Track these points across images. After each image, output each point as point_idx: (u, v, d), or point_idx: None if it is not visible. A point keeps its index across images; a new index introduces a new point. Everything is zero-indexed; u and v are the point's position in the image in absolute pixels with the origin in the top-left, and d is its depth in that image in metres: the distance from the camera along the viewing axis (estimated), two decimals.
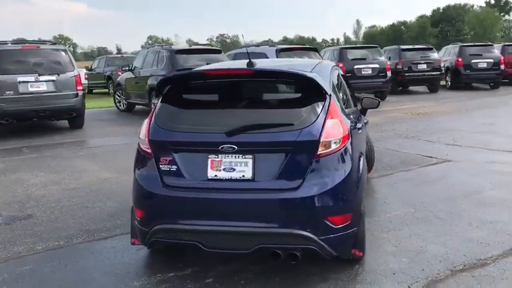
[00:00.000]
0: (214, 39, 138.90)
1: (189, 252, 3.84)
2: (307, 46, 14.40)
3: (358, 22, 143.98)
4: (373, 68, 15.01)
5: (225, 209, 3.21)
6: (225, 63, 6.26)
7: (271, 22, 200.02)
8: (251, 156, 3.21)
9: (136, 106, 13.86)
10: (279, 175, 3.17)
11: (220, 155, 3.26)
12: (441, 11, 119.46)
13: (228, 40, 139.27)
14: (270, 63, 5.03)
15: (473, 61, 17.61)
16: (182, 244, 3.38)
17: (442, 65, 17.12)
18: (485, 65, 17.57)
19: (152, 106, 11.77)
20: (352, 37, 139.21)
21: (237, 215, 3.19)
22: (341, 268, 3.54)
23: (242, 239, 3.20)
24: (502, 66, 17.64)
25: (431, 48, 17.82)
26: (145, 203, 3.43)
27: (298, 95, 3.48)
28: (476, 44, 19.50)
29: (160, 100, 3.64)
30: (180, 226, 3.27)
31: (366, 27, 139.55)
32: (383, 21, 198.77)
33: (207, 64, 11.18)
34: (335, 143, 3.22)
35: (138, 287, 3.43)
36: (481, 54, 17.76)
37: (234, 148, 3.19)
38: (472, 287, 3.25)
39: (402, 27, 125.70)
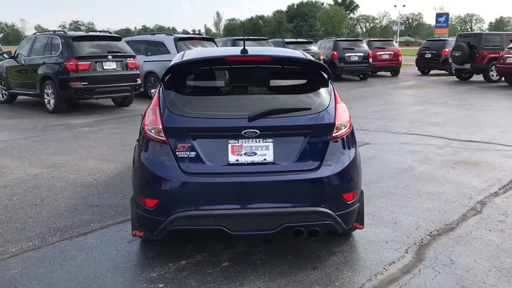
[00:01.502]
0: (68, 26, 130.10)
1: (183, 241, 3.83)
2: (204, 36, 14.48)
3: (218, 14, 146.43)
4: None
5: (248, 192, 3.30)
6: (216, 49, 5.96)
7: (126, 9, 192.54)
8: (271, 140, 3.34)
9: (19, 97, 12.66)
10: (299, 157, 3.35)
11: (240, 140, 3.32)
12: (295, 7, 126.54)
13: (82, 27, 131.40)
14: (265, 50, 5.04)
15: (346, 54, 19.26)
16: (203, 230, 3.37)
17: (321, 58, 18.41)
18: (356, 58, 19.34)
19: (47, 96, 10.91)
20: (213, 29, 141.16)
21: (261, 197, 3.30)
22: (342, 242, 3.85)
23: (266, 220, 3.31)
24: (371, 60, 19.57)
25: (311, 42, 19.02)
26: (162, 192, 3.34)
27: (309, 80, 3.66)
28: (349, 38, 21.29)
29: (166, 86, 3.53)
30: (204, 212, 3.27)
31: (226, 20, 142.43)
32: (242, 15, 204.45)
33: (108, 52, 10.84)
34: (344, 126, 3.49)
35: (157, 277, 3.35)
36: (353, 48, 19.49)
37: (257, 132, 3.29)
38: (454, 246, 3.78)
39: (260, 21, 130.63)
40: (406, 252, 3.68)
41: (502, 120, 9.72)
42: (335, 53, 19.19)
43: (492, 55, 17.54)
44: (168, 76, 3.53)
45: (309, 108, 3.42)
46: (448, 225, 4.20)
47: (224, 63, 3.60)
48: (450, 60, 19.06)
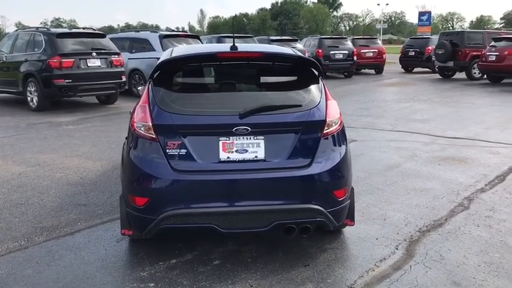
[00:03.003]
0: (49, 23, 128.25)
1: (173, 240, 3.80)
2: (190, 33, 14.40)
3: (202, 12, 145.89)
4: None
5: (239, 189, 3.27)
6: (205, 46, 5.82)
7: (108, 7, 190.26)
8: (262, 137, 3.32)
9: (1, 95, 12.43)
10: (290, 154, 3.33)
11: (231, 137, 3.29)
12: (279, 5, 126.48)
13: (64, 25, 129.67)
14: (255, 47, 5.00)
15: (331, 52, 19.33)
16: (194, 228, 3.34)
17: (307, 55, 18.41)
18: (341, 56, 19.42)
19: (30, 94, 10.74)
20: (197, 27, 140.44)
21: (252, 194, 3.28)
22: (333, 239, 3.85)
23: (258, 217, 3.29)
24: (355, 57, 19.67)
25: (296, 40, 19.04)
26: (151, 190, 3.30)
27: (299, 77, 3.65)
28: (333, 36, 21.35)
29: (155, 83, 3.48)
30: (194, 210, 3.24)
31: (210, 18, 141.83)
32: (226, 13, 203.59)
33: (92, 49, 10.70)
34: (335, 123, 3.49)
35: (148, 276, 3.31)
36: (338, 46, 19.56)
37: (248, 129, 3.26)
38: (443, 242, 3.81)
39: (244, 19, 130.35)
40: (397, 249, 3.70)
41: (485, 117, 9.83)
42: (320, 50, 19.25)
43: (474, 53, 17.73)
44: (157, 73, 3.48)
45: (300, 105, 3.41)
46: (437, 221, 4.23)
47: (214, 60, 3.56)
48: (433, 58, 19.24)
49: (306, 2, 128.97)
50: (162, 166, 3.27)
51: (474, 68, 17.92)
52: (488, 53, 16.33)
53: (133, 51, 13.30)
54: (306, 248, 3.72)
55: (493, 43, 16.64)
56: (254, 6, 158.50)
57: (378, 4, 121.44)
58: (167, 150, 3.28)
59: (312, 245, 3.75)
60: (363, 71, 22.62)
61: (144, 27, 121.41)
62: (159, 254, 3.62)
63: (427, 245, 3.74)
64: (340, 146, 3.52)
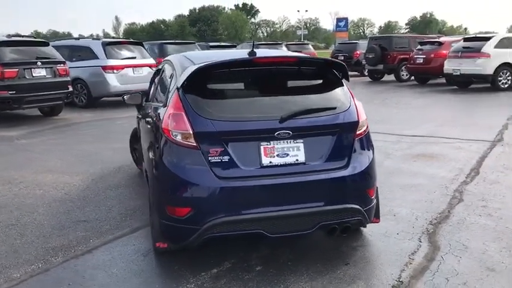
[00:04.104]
0: None
1: (199, 250, 3.69)
2: (133, 40, 14.02)
3: (117, 19, 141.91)
4: None
5: (284, 193, 3.30)
6: (228, 52, 5.47)
7: (12, 14, 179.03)
8: (302, 141, 3.37)
9: None
10: (328, 156, 3.41)
11: (272, 142, 3.31)
12: (197, 11, 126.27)
13: None
14: (272, 52, 4.98)
15: None
16: (241, 235, 3.31)
17: None
18: None
19: None
20: (112, 33, 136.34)
21: (296, 197, 3.32)
22: (356, 237, 3.95)
23: (304, 220, 3.34)
24: None
25: (235, 46, 19.12)
26: (195, 199, 3.23)
27: (326, 80, 3.72)
28: (268, 42, 21.70)
29: (187, 91, 3.40)
30: (242, 216, 3.22)
31: (125, 24, 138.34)
32: (142, 19, 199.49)
33: (37, 58, 10.12)
34: (364, 124, 3.62)
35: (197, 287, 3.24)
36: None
37: (289, 133, 3.30)
38: (458, 232, 4.04)
39: (162, 25, 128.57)
40: (420, 241, 3.88)
41: (431, 116, 10.51)
42: None
43: (402, 56, 18.87)
44: (191, 80, 3.41)
45: (335, 108, 3.50)
46: (442, 214, 4.49)
47: (251, 65, 3.55)
48: (363, 62, 20.19)
49: (224, 8, 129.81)
50: (205, 174, 3.22)
51: (402, 70, 19.04)
52: (416, 56, 17.44)
53: (74, 59, 12.70)
54: (337, 247, 3.81)
55: (419, 47, 17.80)
56: (171, 12, 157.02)
57: (298, 10, 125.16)
58: (209, 158, 3.23)
59: (341, 244, 3.84)
60: None
61: (54, 35, 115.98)
62: (194, 265, 3.53)
63: (446, 236, 3.97)
64: (370, 145, 3.66)
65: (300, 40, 58.50)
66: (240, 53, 4.20)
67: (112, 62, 12.32)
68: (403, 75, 19.15)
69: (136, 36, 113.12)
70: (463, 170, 5.94)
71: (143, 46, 13.64)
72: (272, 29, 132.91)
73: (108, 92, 12.42)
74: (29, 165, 6.70)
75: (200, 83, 3.45)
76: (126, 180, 5.87)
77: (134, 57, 12.96)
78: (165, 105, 3.72)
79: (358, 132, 3.54)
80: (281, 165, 3.32)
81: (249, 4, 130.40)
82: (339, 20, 50.90)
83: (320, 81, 3.73)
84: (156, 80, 4.96)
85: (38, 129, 9.60)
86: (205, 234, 3.23)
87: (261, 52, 4.06)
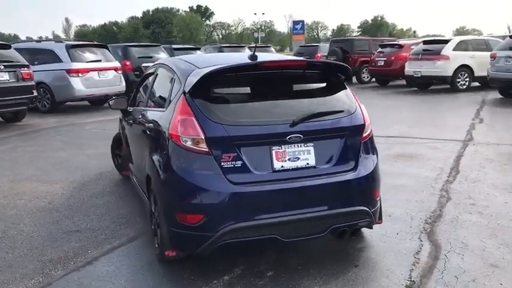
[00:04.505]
0: None
1: (203, 257, 3.64)
2: (97, 43, 13.68)
3: (67, 20, 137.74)
4: None
5: (296, 197, 3.29)
6: (225, 55, 5.31)
7: None
8: (312, 144, 3.38)
9: None
10: (337, 159, 3.44)
11: (283, 146, 3.31)
12: (151, 13, 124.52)
13: None
14: (270, 56, 4.91)
15: None
16: (255, 241, 3.28)
17: None
18: None
19: None
20: (62, 35, 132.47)
21: (308, 201, 3.32)
22: (359, 239, 3.98)
23: (317, 223, 3.34)
24: None
25: (198, 48, 18.94)
26: (208, 205, 3.18)
27: (330, 83, 3.74)
28: (233, 45, 21.62)
29: (194, 95, 3.34)
30: (257, 222, 3.19)
31: (76, 26, 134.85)
32: (94, 21, 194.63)
33: None
34: (369, 126, 3.67)
35: None
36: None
37: (300, 137, 3.30)
38: (455, 231, 4.15)
39: (114, 27, 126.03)
40: (421, 241, 3.97)
41: (398, 117, 10.80)
42: None
43: (363, 58, 19.29)
44: (200, 84, 3.34)
45: (343, 111, 3.53)
46: (434, 213, 4.61)
47: (261, 69, 3.52)
48: None
49: (178, 10, 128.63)
50: (219, 180, 3.17)
51: (363, 73, 19.47)
52: (377, 59, 17.87)
53: (36, 63, 12.21)
54: (341, 249, 3.83)
55: (380, 49, 18.24)
56: (124, 14, 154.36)
57: (255, 13, 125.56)
58: (222, 163, 3.19)
59: (345, 247, 3.87)
60: None
61: (1, 37, 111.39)
62: (204, 272, 3.47)
63: (444, 235, 4.07)
64: (374, 148, 3.72)
65: (255, 42, 58.85)
66: (240, 56, 4.17)
67: (77, 65, 11.96)
68: (364, 77, 19.58)
69: (87, 38, 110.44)
70: (443, 170, 6.12)
71: (108, 49, 13.31)
72: (227, 32, 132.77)
73: (73, 96, 12.05)
74: (3, 173, 6.40)
75: (208, 88, 3.40)
76: (111, 188, 5.71)
77: (99, 60, 12.64)
78: (165, 111, 3.64)
79: (364, 135, 3.58)
80: (292, 169, 3.32)
81: (204, 6, 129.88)
82: (295, 22, 51.51)
83: (326, 85, 3.74)
84: (147, 84, 4.84)
85: (3, 136, 9.20)
86: (219, 241, 3.18)
87: (263, 56, 4.06)
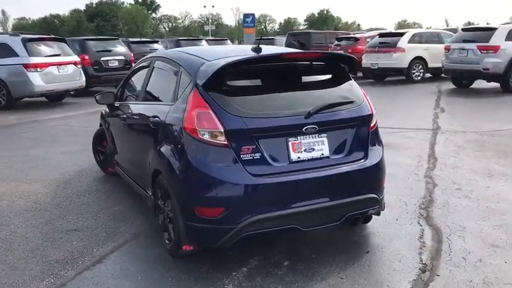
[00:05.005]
0: None
1: (213, 250, 3.60)
2: (55, 36, 13.18)
3: (3, 13, 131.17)
4: (119, 60, 14.80)
5: (314, 187, 3.35)
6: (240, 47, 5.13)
7: None
8: (325, 135, 3.44)
9: None
10: (349, 149, 3.53)
11: (299, 137, 3.35)
12: (94, 6, 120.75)
13: None
14: (275, 49, 4.86)
15: None
16: (275, 232, 3.31)
17: None
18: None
19: None
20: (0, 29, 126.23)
21: (325, 190, 3.39)
22: (361, 226, 4.05)
23: (333, 212, 3.41)
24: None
25: (157, 41, 18.61)
26: (230, 198, 3.18)
27: (338, 74, 3.81)
28: (190, 38, 21.34)
29: (208, 88, 3.31)
30: (278, 212, 3.23)
31: (14, 19, 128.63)
32: (33, 14, 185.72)
33: None
34: (375, 116, 3.78)
35: (238, 286, 3.19)
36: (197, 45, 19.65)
37: (316, 128, 3.36)
38: (449, 215, 4.33)
39: (56, 20, 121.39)
40: (421, 225, 4.14)
41: None
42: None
43: None
44: (214, 77, 3.32)
45: (353, 101, 3.61)
46: (425, 199, 4.80)
47: (279, 61, 3.53)
48: None
49: (123, 3, 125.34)
50: (239, 172, 3.18)
51: None
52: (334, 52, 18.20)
53: None
54: (347, 237, 3.93)
55: (336, 42, 18.60)
56: (66, 7, 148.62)
57: (205, 6, 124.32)
58: (241, 156, 3.20)
59: (348, 235, 3.96)
60: None
61: None
62: (220, 265, 3.47)
63: (440, 219, 4.25)
64: (379, 137, 3.83)
65: (204, 35, 58.47)
66: (243, 49, 4.15)
67: (35, 60, 11.46)
68: None
69: (26, 32, 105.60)
70: (422, 157, 6.37)
71: (66, 43, 12.85)
72: (174, 24, 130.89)
73: (31, 92, 11.55)
74: None
75: (222, 80, 3.38)
76: (96, 185, 5.56)
77: (58, 55, 12.18)
78: (173, 104, 3.60)
79: (372, 125, 3.68)
80: (308, 160, 3.37)
81: None
82: (246, 15, 51.09)
83: (336, 76, 3.80)
84: (140, 78, 4.71)
85: None
86: (240, 233, 3.19)
87: (267, 48, 4.08)
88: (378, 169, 3.64)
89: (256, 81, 3.57)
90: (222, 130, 3.17)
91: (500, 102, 11.40)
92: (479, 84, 14.06)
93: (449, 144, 7.06)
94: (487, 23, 23.76)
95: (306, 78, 3.76)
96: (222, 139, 3.18)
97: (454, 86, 14.22)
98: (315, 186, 3.35)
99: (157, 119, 3.80)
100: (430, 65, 15.83)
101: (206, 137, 3.21)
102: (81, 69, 12.77)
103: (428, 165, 5.97)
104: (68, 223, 4.39)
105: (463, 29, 14.01)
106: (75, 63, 12.49)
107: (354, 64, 3.86)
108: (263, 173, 3.22)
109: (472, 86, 14.14)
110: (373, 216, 3.82)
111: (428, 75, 16.59)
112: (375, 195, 3.59)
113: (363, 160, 3.56)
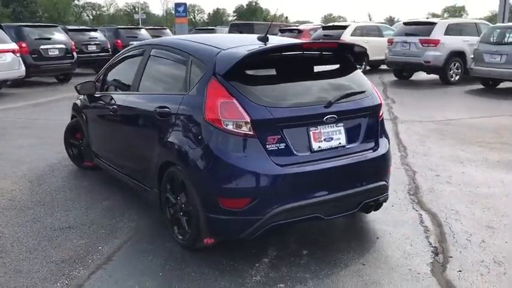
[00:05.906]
0: None
1: (224, 243, 3.60)
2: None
3: None
4: (59, 49, 13.87)
5: (335, 176, 3.40)
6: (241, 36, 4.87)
7: None
8: (342, 124, 3.49)
9: None
10: (363, 138, 3.61)
11: (319, 127, 3.38)
12: None
13: None
14: (284, 39, 4.73)
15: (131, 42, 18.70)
16: (300, 221, 3.31)
17: (108, 46, 17.34)
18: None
19: None
20: None
21: (344, 179, 3.45)
22: (361, 215, 4.12)
23: (351, 200, 3.47)
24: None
25: (96, 30, 17.82)
26: (256, 188, 3.15)
27: (346, 64, 3.85)
28: (129, 27, 20.60)
29: (229, 78, 3.24)
30: (303, 202, 3.24)
31: None
32: None
33: None
34: (382, 107, 3.88)
35: (266, 279, 3.17)
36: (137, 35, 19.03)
37: (335, 118, 3.40)
38: (439, 199, 4.56)
39: None
40: (417, 210, 4.32)
41: None
42: (118, 41, 18.48)
43: None
44: (235, 67, 3.25)
45: (365, 91, 3.69)
46: (410, 185, 5.01)
47: (299, 50, 3.51)
48: None
49: None
50: (265, 162, 3.16)
51: None
52: None
53: None
54: (351, 226, 4.02)
55: (280, 34, 18.75)
56: None
57: None
58: (267, 146, 3.18)
59: (351, 224, 4.05)
60: None
61: None
62: (240, 258, 3.43)
63: (432, 204, 4.46)
64: (384, 126, 3.94)
65: (135, 24, 56.79)
66: (249, 38, 4.09)
67: None
68: None
69: None
70: (392, 146, 6.59)
71: (3, 29, 11.98)
72: (98, 12, 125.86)
73: None
74: None
75: (242, 69, 3.32)
76: (74, 180, 5.27)
77: None
78: (187, 94, 3.48)
79: (380, 114, 3.78)
80: (327, 149, 3.40)
81: None
82: (177, 5, 50.21)
83: (346, 66, 3.84)
84: (130, 67, 4.48)
85: None
86: (267, 224, 3.17)
87: (275, 39, 4.05)
88: (387, 157, 3.75)
89: (275, 71, 3.54)
90: (249, 120, 3.12)
91: (442, 93, 12.07)
92: (418, 76, 14.81)
93: (412, 133, 7.39)
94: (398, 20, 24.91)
95: (321, 68, 3.78)
96: (247, 129, 3.13)
97: (396, 78, 14.86)
98: (335, 175, 3.39)
99: (166, 109, 3.65)
100: (371, 57, 16.38)
101: (230, 127, 3.14)
102: (20, 57, 11.97)
103: (400, 153, 6.22)
104: (58, 220, 4.14)
105: (405, 23, 14.64)
106: (13, 51, 11.69)
107: (363, 55, 3.93)
108: (288, 163, 3.21)
109: (411, 78, 14.85)
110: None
111: (367, 67, 17.18)
112: (386, 183, 3.70)
113: (375, 148, 3.65)
